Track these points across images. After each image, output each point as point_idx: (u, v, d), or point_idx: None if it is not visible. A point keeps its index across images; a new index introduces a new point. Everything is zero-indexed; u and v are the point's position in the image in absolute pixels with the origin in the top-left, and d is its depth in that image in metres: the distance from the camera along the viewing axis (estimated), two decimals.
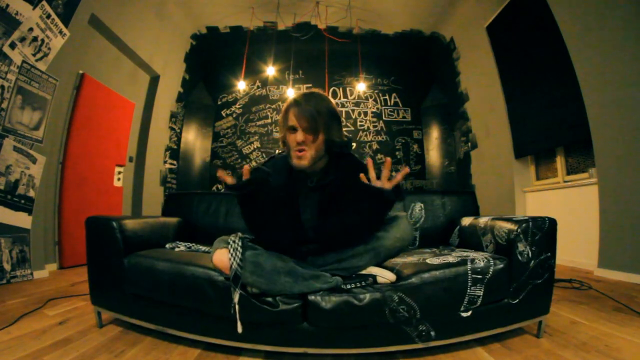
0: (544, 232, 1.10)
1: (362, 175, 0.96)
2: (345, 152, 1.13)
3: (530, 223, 1.10)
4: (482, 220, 1.33)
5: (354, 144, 4.94)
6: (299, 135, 1.02)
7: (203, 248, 1.39)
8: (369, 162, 1.00)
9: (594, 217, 2.38)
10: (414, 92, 5.17)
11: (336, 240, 1.08)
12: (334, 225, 1.06)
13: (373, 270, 1.05)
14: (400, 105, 5.18)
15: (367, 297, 0.99)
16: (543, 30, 2.81)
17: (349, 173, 1.04)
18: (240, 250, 0.99)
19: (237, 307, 0.97)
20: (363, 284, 1.03)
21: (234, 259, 0.98)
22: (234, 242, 1.02)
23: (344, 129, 1.14)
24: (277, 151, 1.25)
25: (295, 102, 1.06)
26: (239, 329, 0.97)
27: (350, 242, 1.07)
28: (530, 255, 1.09)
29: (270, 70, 4.72)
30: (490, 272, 1.05)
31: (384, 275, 1.03)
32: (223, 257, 1.00)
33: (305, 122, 1.02)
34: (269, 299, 1.00)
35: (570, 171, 2.95)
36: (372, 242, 1.05)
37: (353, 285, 1.02)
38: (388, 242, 1.05)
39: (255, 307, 0.99)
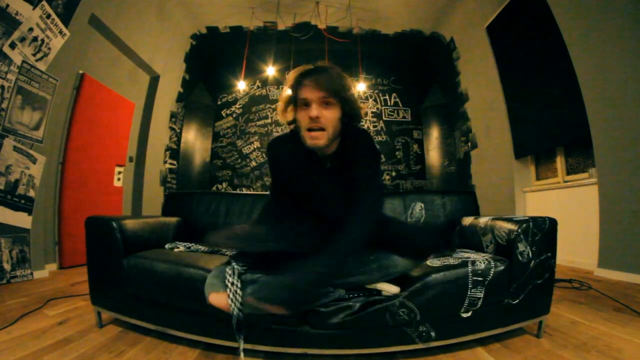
0: (544, 232, 1.10)
1: None
2: (358, 128, 1.04)
3: (531, 223, 1.10)
4: (483, 220, 1.33)
5: None
6: (314, 110, 0.91)
7: (202, 248, 1.39)
8: None
9: (594, 217, 2.38)
10: (414, 92, 5.17)
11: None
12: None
13: (377, 285, 1.01)
14: (400, 105, 5.18)
15: (368, 304, 0.99)
16: (543, 30, 2.81)
17: (362, 152, 0.99)
18: (240, 294, 0.88)
19: (242, 354, 0.91)
20: (367, 294, 1.00)
21: (235, 304, 0.88)
22: (232, 284, 0.90)
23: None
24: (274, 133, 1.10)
25: (307, 73, 0.95)
26: None
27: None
28: (530, 255, 1.09)
29: (270, 70, 4.72)
30: (491, 274, 1.05)
31: (389, 290, 1.01)
32: (221, 300, 0.90)
33: (320, 92, 0.91)
34: None
35: (570, 171, 2.95)
36: (384, 262, 0.99)
37: (355, 295, 1.00)
38: (401, 266, 1.01)
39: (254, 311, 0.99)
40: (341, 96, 0.94)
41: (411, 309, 1.00)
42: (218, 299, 0.91)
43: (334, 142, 1.00)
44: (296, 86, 0.95)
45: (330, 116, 0.93)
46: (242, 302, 0.88)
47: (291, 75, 0.98)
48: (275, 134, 1.07)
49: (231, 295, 0.89)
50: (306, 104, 0.93)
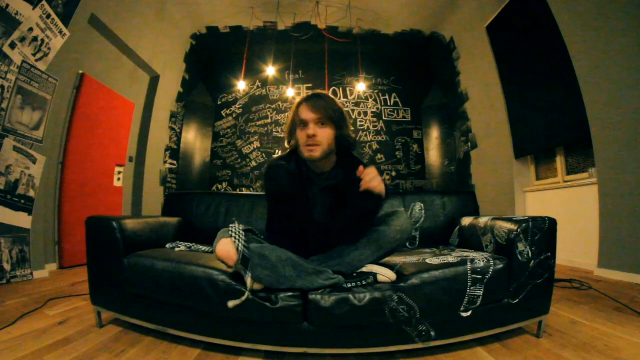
0: (544, 232, 1.10)
1: (360, 168, 0.99)
2: (350, 152, 1.17)
3: (531, 223, 1.10)
4: (482, 221, 1.33)
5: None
6: (310, 130, 1.05)
7: (203, 248, 1.39)
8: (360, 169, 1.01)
9: (594, 217, 2.38)
10: (414, 92, 5.17)
11: (342, 231, 1.10)
12: (340, 219, 1.09)
13: (374, 268, 1.05)
14: (400, 105, 5.18)
15: (367, 296, 0.99)
16: (543, 30, 2.81)
17: (353, 173, 1.08)
18: (243, 233, 1.00)
19: (249, 290, 0.96)
20: (364, 282, 1.03)
21: (239, 241, 0.97)
22: (234, 227, 1.01)
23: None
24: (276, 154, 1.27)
25: (306, 99, 1.10)
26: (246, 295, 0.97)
27: (353, 232, 1.10)
28: (530, 255, 1.09)
29: (270, 70, 4.71)
30: (490, 273, 1.05)
31: (385, 274, 1.04)
32: (227, 246, 0.96)
33: (316, 114, 1.06)
34: (270, 296, 1.00)
35: (570, 171, 2.95)
36: (373, 235, 1.08)
37: (354, 284, 1.02)
38: (390, 235, 1.08)
39: (255, 305, 0.99)
40: (334, 118, 1.08)
41: (411, 306, 1.00)
42: (224, 245, 0.97)
43: (330, 158, 1.12)
44: (296, 110, 1.11)
45: (324, 134, 1.07)
46: (246, 240, 0.98)
47: (295, 103, 1.15)
48: (273, 157, 1.21)
49: (234, 235, 0.98)
50: (304, 124, 1.07)
